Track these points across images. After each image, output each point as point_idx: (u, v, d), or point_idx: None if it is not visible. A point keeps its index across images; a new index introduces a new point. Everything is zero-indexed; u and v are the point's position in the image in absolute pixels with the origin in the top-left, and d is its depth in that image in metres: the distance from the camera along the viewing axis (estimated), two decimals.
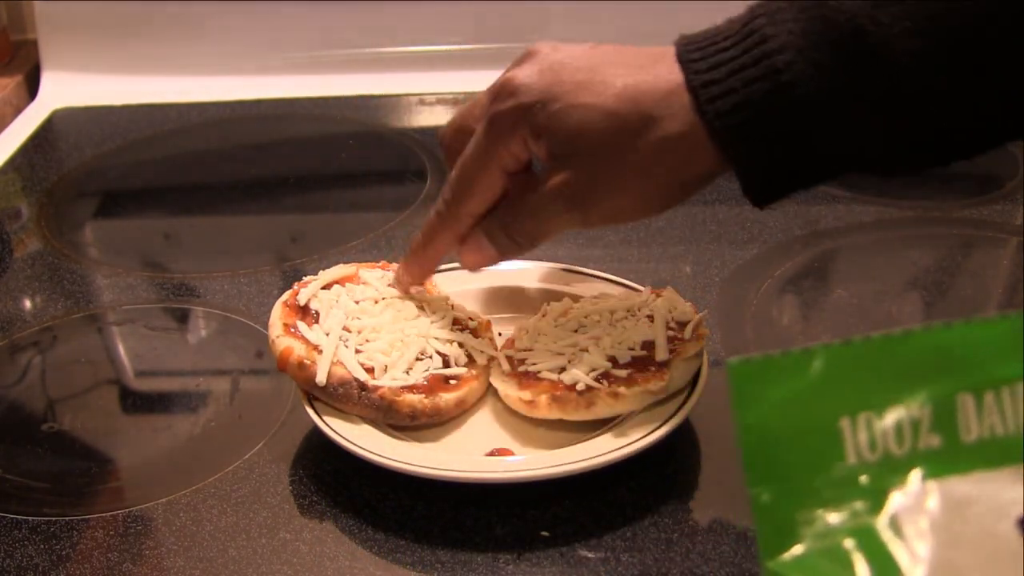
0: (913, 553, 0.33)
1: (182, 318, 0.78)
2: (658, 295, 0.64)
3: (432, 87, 1.11)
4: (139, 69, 1.14)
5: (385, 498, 0.58)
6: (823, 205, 0.85)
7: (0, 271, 0.84)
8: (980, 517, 0.33)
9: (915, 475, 0.34)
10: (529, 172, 0.57)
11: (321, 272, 0.65)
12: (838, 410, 0.34)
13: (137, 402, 0.71)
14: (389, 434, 0.59)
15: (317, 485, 0.59)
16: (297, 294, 0.63)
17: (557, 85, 0.53)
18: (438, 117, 1.09)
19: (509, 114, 0.54)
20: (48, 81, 1.15)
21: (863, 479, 0.34)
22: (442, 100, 1.11)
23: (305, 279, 0.65)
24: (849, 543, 0.33)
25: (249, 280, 0.79)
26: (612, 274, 0.69)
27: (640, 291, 0.66)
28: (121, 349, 0.77)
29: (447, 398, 0.60)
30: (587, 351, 0.60)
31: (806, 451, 0.34)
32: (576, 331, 0.62)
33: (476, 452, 0.59)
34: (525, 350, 0.63)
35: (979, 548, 0.33)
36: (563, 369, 0.60)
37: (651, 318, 0.61)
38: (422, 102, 1.11)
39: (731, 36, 0.50)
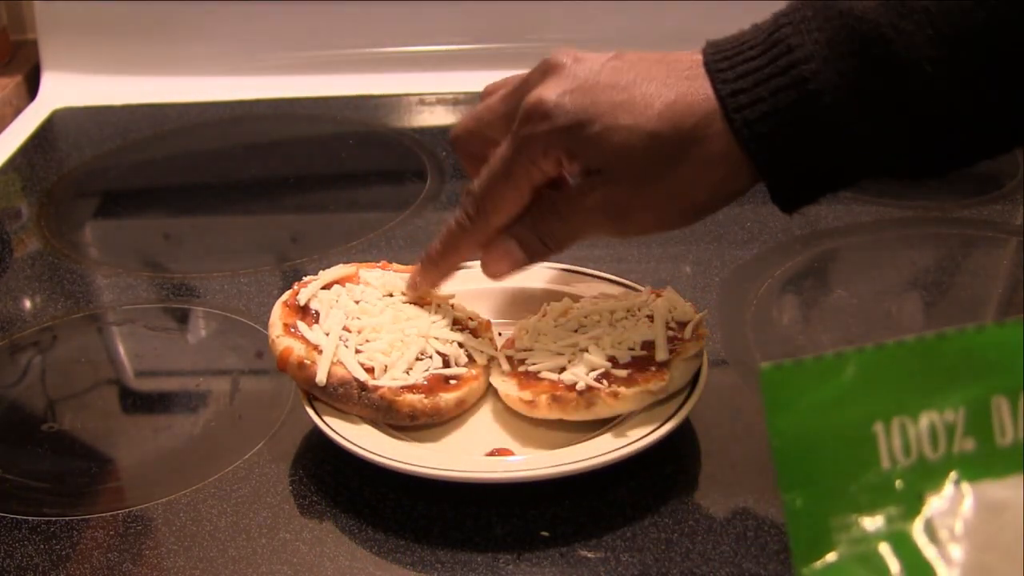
0: (948, 557, 0.33)
1: (182, 318, 0.78)
2: (658, 295, 0.64)
3: (432, 87, 1.11)
4: (139, 69, 1.14)
5: (385, 498, 0.58)
6: (823, 205, 0.84)
7: (0, 271, 0.84)
8: (1015, 521, 0.33)
9: (950, 479, 0.34)
10: (559, 177, 0.57)
11: (321, 272, 0.65)
12: (872, 415, 0.34)
13: (137, 402, 0.71)
14: (389, 434, 0.59)
15: (317, 485, 0.59)
16: (297, 294, 0.63)
17: (593, 107, 0.52)
18: (438, 117, 1.09)
19: (542, 137, 0.53)
20: (48, 81, 1.15)
21: (898, 484, 0.34)
22: (442, 100, 1.11)
23: (305, 279, 0.65)
24: (884, 548, 0.33)
25: (249, 280, 0.79)
26: (612, 274, 0.69)
27: (640, 291, 0.66)
28: (121, 349, 0.77)
29: (447, 398, 0.60)
30: (587, 351, 0.60)
31: (840, 456, 0.34)
32: (576, 331, 0.62)
33: (476, 452, 0.59)
34: (525, 350, 0.63)
35: (1014, 552, 0.33)
36: (563, 369, 0.60)
37: (651, 318, 0.61)
38: (422, 102, 1.11)
39: (757, 45, 0.50)
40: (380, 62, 1.14)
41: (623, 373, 0.58)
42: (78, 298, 0.80)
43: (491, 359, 0.63)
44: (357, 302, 0.63)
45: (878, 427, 0.34)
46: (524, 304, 0.69)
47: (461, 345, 0.63)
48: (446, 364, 0.62)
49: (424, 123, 1.10)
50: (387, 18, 1.13)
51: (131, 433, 0.68)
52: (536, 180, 0.56)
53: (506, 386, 0.61)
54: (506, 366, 0.62)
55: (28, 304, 0.81)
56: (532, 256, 0.59)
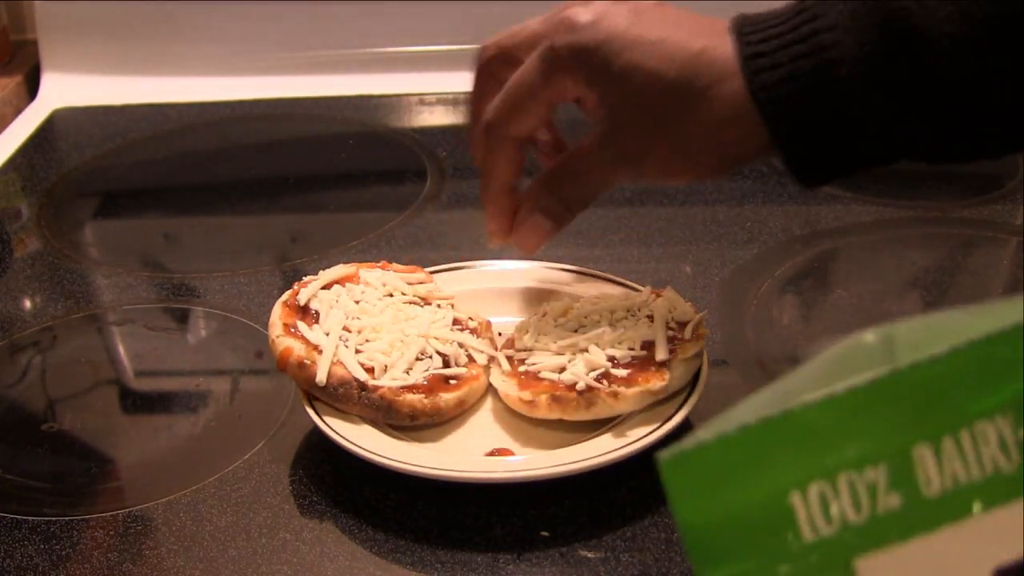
0: None
1: (182, 318, 0.78)
2: (658, 295, 0.64)
3: (432, 87, 1.11)
4: (139, 69, 1.14)
5: (385, 498, 0.58)
6: (823, 205, 0.85)
7: (0, 271, 0.84)
8: (954, 573, 0.31)
9: (879, 540, 0.31)
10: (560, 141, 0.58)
11: (321, 272, 0.65)
12: (786, 486, 0.31)
13: (137, 402, 0.71)
14: (389, 434, 0.59)
15: (317, 485, 0.59)
16: (297, 294, 0.63)
17: (623, 36, 0.52)
18: (438, 117, 1.09)
19: (566, 52, 0.53)
20: (48, 81, 1.15)
21: (823, 554, 0.31)
22: (442, 100, 1.11)
23: (305, 279, 0.65)
24: None
25: (249, 280, 0.79)
26: (612, 274, 0.69)
27: (640, 291, 0.66)
28: (121, 349, 0.77)
29: (447, 398, 0.60)
30: (587, 351, 0.60)
31: (759, 536, 0.31)
32: (576, 331, 0.62)
33: (476, 452, 0.59)
34: (525, 350, 0.63)
35: None
36: (563, 369, 0.60)
37: (651, 318, 0.61)
38: (422, 102, 1.11)
39: (784, 14, 0.51)
40: (380, 62, 1.14)
41: (623, 373, 0.58)
42: (78, 298, 0.80)
43: (491, 359, 0.63)
44: (357, 302, 0.63)
45: (795, 498, 0.31)
46: (524, 304, 0.69)
47: (461, 345, 0.63)
48: (446, 364, 0.62)
49: (424, 123, 1.10)
50: (387, 18, 1.13)
51: (131, 433, 0.68)
52: (555, 98, 0.56)
53: (506, 386, 0.61)
54: (506, 366, 0.62)
55: (28, 304, 0.81)
56: (559, 222, 0.59)
